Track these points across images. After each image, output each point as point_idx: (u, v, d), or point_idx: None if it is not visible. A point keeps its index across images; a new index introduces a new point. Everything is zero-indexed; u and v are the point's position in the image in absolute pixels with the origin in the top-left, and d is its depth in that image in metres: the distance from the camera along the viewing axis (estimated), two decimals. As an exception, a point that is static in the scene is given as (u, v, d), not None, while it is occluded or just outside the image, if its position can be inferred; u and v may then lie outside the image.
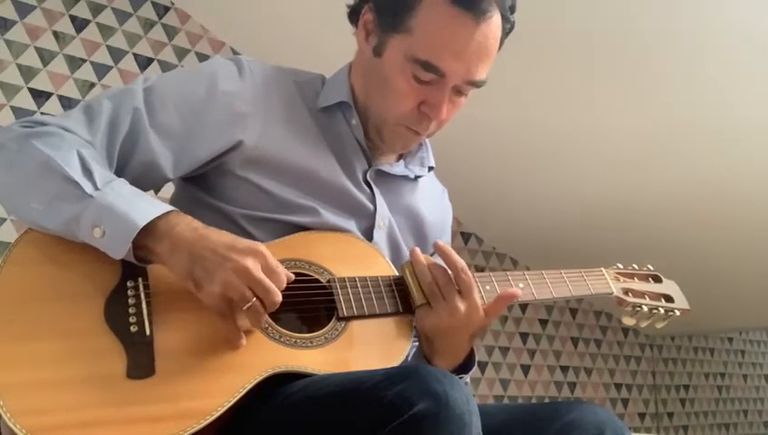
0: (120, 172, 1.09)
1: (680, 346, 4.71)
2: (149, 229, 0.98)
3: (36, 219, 1.02)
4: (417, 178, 1.31)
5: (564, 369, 3.99)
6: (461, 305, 1.11)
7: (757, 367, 5.22)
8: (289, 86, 1.23)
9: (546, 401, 3.77)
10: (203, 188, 1.19)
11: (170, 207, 1.02)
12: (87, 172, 1.00)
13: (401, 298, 1.14)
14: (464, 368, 1.17)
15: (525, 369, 3.81)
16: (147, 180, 1.12)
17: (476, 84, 1.16)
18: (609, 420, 1.08)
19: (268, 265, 0.98)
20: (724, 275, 3.60)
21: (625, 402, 4.23)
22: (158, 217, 0.99)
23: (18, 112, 2.46)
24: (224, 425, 0.97)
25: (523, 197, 3.40)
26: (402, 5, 1.13)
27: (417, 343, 1.30)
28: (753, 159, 2.89)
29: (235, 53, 2.95)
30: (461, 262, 1.13)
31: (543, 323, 3.96)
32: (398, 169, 1.27)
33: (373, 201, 1.23)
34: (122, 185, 1.02)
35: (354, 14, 1.22)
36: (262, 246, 0.99)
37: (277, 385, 1.01)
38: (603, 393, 4.13)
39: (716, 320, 4.21)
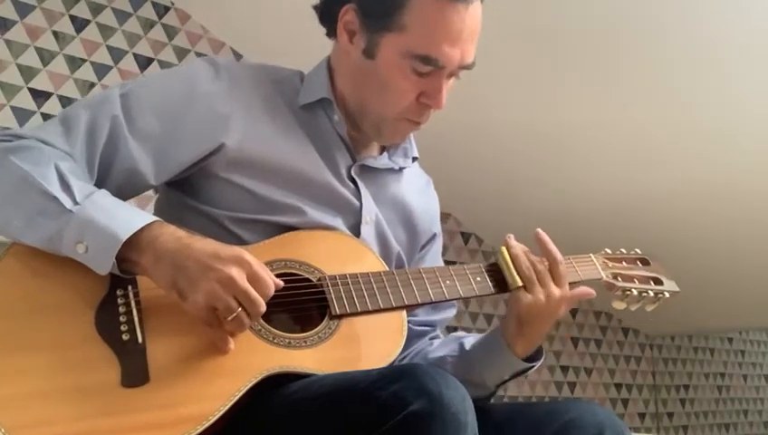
0: (101, 181, 1.08)
1: (680, 346, 4.71)
2: (132, 242, 0.97)
3: (19, 236, 1.01)
4: (401, 169, 1.30)
5: (564, 369, 3.99)
6: (556, 292, 1.16)
7: (757, 367, 5.22)
8: (267, 84, 1.21)
9: (546, 400, 3.77)
10: (187, 192, 1.17)
11: (153, 218, 1.00)
12: (65, 186, 0.99)
13: (495, 280, 1.20)
14: (538, 354, 1.22)
15: (525, 369, 3.80)
16: (130, 188, 1.11)
17: (469, 67, 1.17)
18: (609, 419, 1.08)
19: (253, 273, 0.97)
20: (725, 275, 3.60)
21: (625, 402, 4.23)
22: (141, 229, 0.98)
23: (18, 112, 2.46)
24: (221, 428, 0.96)
25: (523, 197, 3.40)
26: (392, 4, 1.12)
27: (463, 337, 1.30)
28: (754, 157, 2.89)
29: (235, 52, 2.95)
30: (559, 254, 1.19)
31: (543, 323, 3.96)
32: (382, 162, 1.27)
33: (358, 197, 1.23)
34: (103, 197, 1.01)
35: (327, 16, 1.20)
36: (247, 254, 0.98)
37: (274, 386, 1.00)
38: (603, 393, 4.13)
39: (716, 320, 4.21)
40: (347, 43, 1.18)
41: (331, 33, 1.22)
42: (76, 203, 0.98)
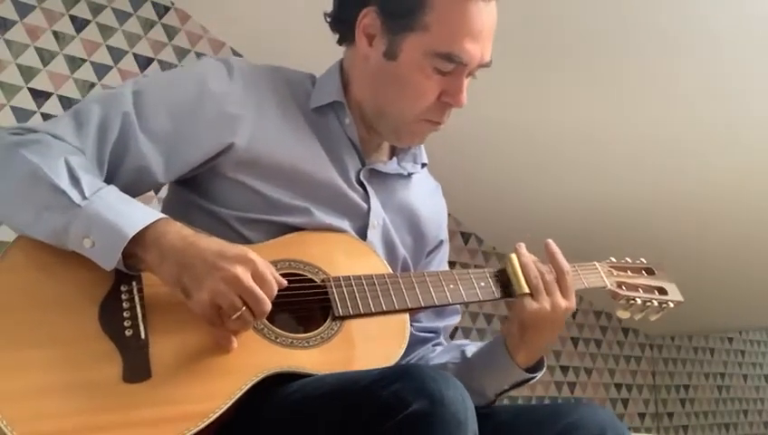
0: (111, 178, 1.08)
1: (680, 346, 4.70)
2: (138, 238, 0.97)
3: (26, 230, 1.01)
4: (410, 175, 1.31)
5: (564, 369, 3.98)
6: (562, 302, 1.18)
7: (757, 367, 5.21)
8: (280, 86, 1.22)
9: (546, 401, 3.77)
10: (195, 191, 1.18)
11: (160, 215, 1.01)
12: (75, 181, 0.99)
13: (501, 286, 1.22)
14: (539, 365, 1.24)
15: (525, 369, 3.80)
16: (138, 185, 1.12)
17: (488, 65, 1.18)
18: (611, 421, 1.09)
19: (258, 272, 0.98)
20: (725, 275, 3.60)
21: (625, 402, 4.23)
22: (147, 226, 0.98)
23: (18, 112, 2.46)
24: (221, 426, 0.97)
25: (523, 197, 3.39)
26: (415, 4, 1.13)
27: (465, 344, 1.30)
28: (754, 157, 2.89)
29: (235, 53, 2.95)
30: (567, 265, 1.21)
31: (543, 323, 3.96)
32: (392, 167, 1.27)
33: (367, 201, 1.23)
34: (110, 193, 1.01)
35: (343, 22, 1.21)
36: (252, 254, 0.98)
37: (275, 385, 1.01)
38: (603, 393, 4.13)
39: (716, 320, 4.20)
40: (366, 46, 1.18)
41: (347, 38, 1.22)
42: (84, 198, 0.98)
